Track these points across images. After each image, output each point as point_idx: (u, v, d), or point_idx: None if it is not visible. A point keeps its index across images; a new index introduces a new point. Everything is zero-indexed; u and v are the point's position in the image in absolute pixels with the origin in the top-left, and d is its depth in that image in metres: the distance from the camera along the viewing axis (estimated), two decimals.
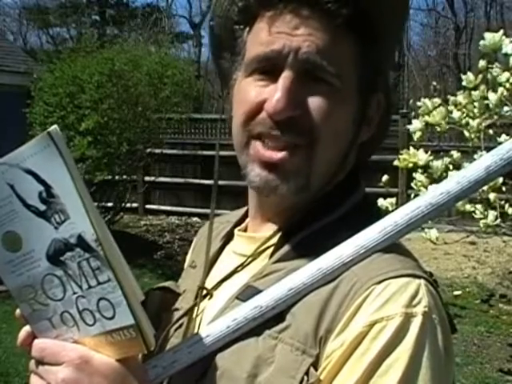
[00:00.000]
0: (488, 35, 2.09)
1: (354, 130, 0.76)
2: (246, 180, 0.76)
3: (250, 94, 0.73)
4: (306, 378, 0.64)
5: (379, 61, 0.76)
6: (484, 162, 0.68)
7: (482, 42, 2.12)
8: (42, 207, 0.61)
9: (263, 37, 0.72)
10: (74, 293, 0.63)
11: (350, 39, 0.72)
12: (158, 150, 8.13)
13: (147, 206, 9.94)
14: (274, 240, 0.77)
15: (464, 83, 2.41)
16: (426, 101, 2.49)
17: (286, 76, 0.70)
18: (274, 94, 0.70)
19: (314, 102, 0.70)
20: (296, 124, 0.70)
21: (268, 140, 0.72)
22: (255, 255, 0.78)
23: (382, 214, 0.75)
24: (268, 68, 0.72)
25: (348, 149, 0.76)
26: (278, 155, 0.71)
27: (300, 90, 0.70)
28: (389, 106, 0.81)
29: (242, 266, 0.79)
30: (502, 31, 2.09)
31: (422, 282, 0.66)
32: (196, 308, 0.80)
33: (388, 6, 0.72)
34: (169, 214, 9.85)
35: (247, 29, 0.76)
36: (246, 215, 0.88)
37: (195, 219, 9.44)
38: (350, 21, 0.70)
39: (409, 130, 2.56)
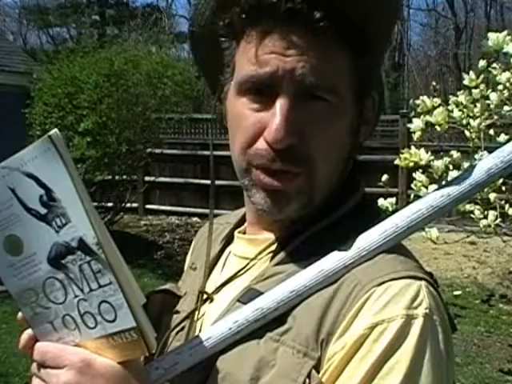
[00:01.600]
0: (492, 35, 2.08)
1: (353, 138, 0.76)
2: (249, 199, 0.75)
3: (247, 119, 0.71)
4: (307, 380, 0.64)
5: (372, 65, 0.75)
6: (485, 164, 0.68)
7: (484, 42, 2.12)
8: (43, 211, 0.61)
9: (254, 56, 0.69)
10: (76, 296, 0.63)
11: (341, 52, 0.71)
12: (158, 150, 8.13)
13: (147, 206, 9.94)
14: (275, 242, 0.77)
15: (466, 82, 2.40)
16: (425, 98, 2.48)
17: (283, 102, 0.68)
18: (272, 121, 0.68)
19: (312, 124, 0.69)
20: (295, 152, 0.69)
21: (269, 170, 0.71)
22: (256, 259, 0.78)
23: (382, 213, 0.75)
24: (262, 88, 0.70)
25: (348, 157, 0.77)
26: (280, 183, 0.71)
27: (297, 114, 0.69)
28: (382, 102, 0.81)
29: (243, 270, 0.79)
30: (506, 31, 2.09)
31: (423, 283, 0.66)
32: (197, 311, 0.80)
33: (378, 15, 0.71)
34: (169, 214, 9.85)
35: (234, 41, 0.74)
36: (245, 216, 0.88)
37: (195, 219, 9.44)
38: (340, 35, 0.69)
39: (409, 129, 2.56)
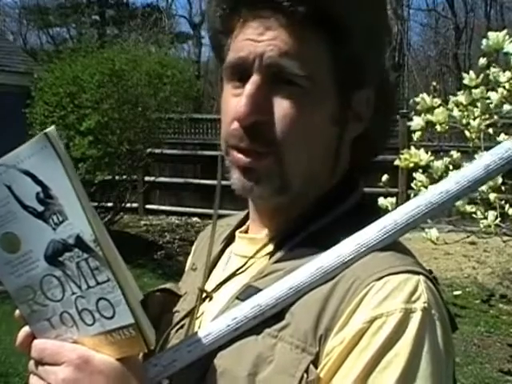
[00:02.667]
0: (492, 35, 2.08)
1: (337, 128, 0.76)
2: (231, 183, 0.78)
3: (228, 104, 0.75)
4: (305, 375, 0.64)
5: (358, 57, 0.74)
6: (483, 161, 0.68)
7: (484, 41, 2.12)
8: (40, 208, 0.61)
9: (235, 44, 0.74)
10: (73, 293, 0.63)
11: (317, 38, 0.72)
12: (158, 150, 8.14)
13: (147, 206, 9.95)
14: (274, 240, 0.78)
15: (466, 82, 2.41)
16: (425, 96, 2.48)
17: (251, 82, 0.71)
18: (239, 100, 0.71)
19: (282, 106, 0.71)
20: (262, 132, 0.71)
21: (240, 149, 0.74)
22: (256, 257, 0.79)
23: (381, 213, 0.75)
24: (240, 75, 0.73)
25: (336, 147, 0.77)
26: (250, 160, 0.73)
27: (266, 95, 0.71)
28: (383, 102, 0.80)
29: (242, 268, 0.79)
30: (505, 31, 2.09)
31: (421, 278, 0.67)
32: (196, 310, 0.80)
33: (354, 3, 0.72)
34: (169, 213, 9.86)
35: (229, 37, 0.77)
36: (246, 218, 0.89)
37: (195, 219, 9.45)
38: (312, 19, 0.70)
39: (409, 128, 2.56)
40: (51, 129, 0.59)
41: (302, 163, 0.74)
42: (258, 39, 0.71)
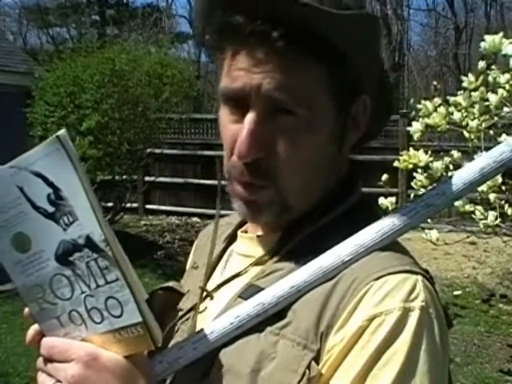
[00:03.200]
0: (488, 38, 2.09)
1: (336, 146, 0.77)
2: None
3: (227, 131, 0.76)
4: (307, 371, 0.66)
5: (353, 70, 0.74)
6: (478, 164, 0.70)
7: (482, 44, 2.12)
8: (51, 209, 0.62)
9: (227, 71, 0.73)
10: (83, 292, 0.65)
11: (310, 66, 0.71)
12: (158, 150, 8.14)
13: (147, 206, 9.95)
14: (276, 240, 0.79)
15: (465, 84, 2.41)
16: (427, 103, 2.49)
17: (249, 117, 0.71)
18: (240, 136, 0.72)
19: (281, 138, 0.72)
20: (261, 166, 0.73)
21: (240, 182, 0.75)
22: (257, 257, 0.80)
23: (381, 212, 0.77)
24: (236, 103, 0.73)
25: (335, 160, 0.78)
26: (250, 194, 0.75)
27: (265, 128, 0.71)
28: (380, 105, 0.81)
29: (245, 270, 0.81)
30: (501, 33, 2.09)
31: (419, 277, 0.68)
32: (197, 308, 0.81)
33: (344, 26, 0.70)
34: (169, 214, 9.86)
35: (220, 52, 0.76)
36: None
37: (195, 219, 9.45)
38: (306, 53, 0.70)
39: (409, 130, 2.57)
40: (63, 131, 0.60)
41: (301, 187, 0.76)
42: (252, 70, 0.70)
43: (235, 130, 0.74)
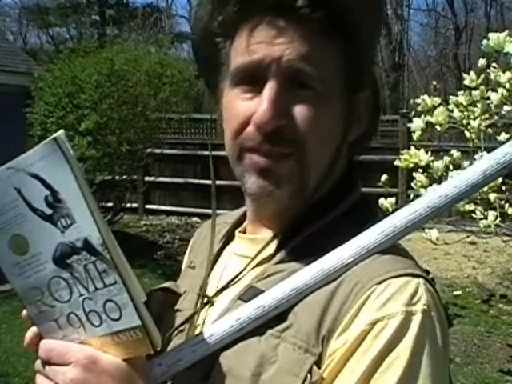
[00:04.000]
0: (492, 35, 2.08)
1: (342, 131, 0.77)
2: (243, 189, 0.77)
3: (237, 108, 0.74)
4: (309, 375, 0.65)
5: (362, 59, 0.76)
6: (481, 165, 0.70)
7: (485, 42, 2.12)
8: (49, 211, 0.62)
9: (244, 47, 0.73)
10: (81, 295, 0.64)
11: (329, 42, 0.73)
12: (158, 150, 8.14)
13: (147, 206, 9.95)
14: (275, 241, 0.78)
15: (466, 82, 2.41)
16: (426, 97, 2.49)
17: (270, 86, 0.71)
18: (260, 105, 0.71)
19: (300, 110, 0.72)
20: (283, 134, 0.71)
21: (260, 151, 0.73)
22: (257, 258, 0.79)
23: (380, 213, 0.76)
24: (252, 78, 0.73)
25: (338, 149, 0.78)
26: (271, 162, 0.73)
27: (285, 99, 0.71)
28: (377, 102, 0.82)
29: (245, 270, 0.80)
30: (507, 32, 2.09)
31: (421, 280, 0.68)
32: (198, 313, 0.81)
33: (362, 4, 0.72)
34: (169, 214, 9.86)
35: (229, 40, 0.76)
36: (244, 216, 0.89)
37: (195, 219, 9.45)
38: (326, 24, 0.71)
39: (409, 129, 2.57)
40: (60, 133, 0.60)
41: (320, 164, 0.75)
42: (273, 42, 0.71)
43: (249, 106, 0.73)
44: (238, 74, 0.74)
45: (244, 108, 0.74)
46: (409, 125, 2.67)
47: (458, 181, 0.70)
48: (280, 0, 0.69)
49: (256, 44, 0.71)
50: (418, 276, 0.68)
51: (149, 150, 7.78)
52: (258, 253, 0.79)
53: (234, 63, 0.75)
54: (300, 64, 0.70)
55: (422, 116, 2.47)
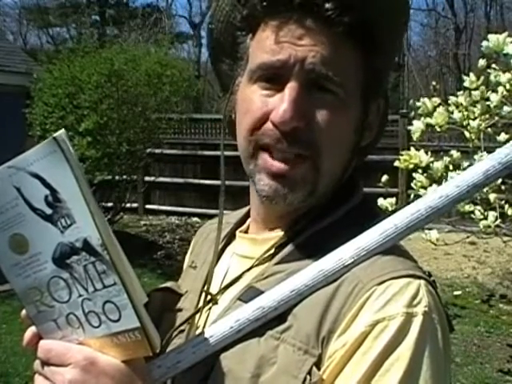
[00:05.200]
0: (492, 37, 2.08)
1: (356, 137, 0.77)
2: (253, 188, 0.77)
3: (255, 103, 0.74)
4: (308, 377, 0.65)
5: (381, 68, 0.77)
6: (482, 166, 0.69)
7: (484, 43, 2.12)
8: (49, 211, 0.61)
9: (268, 45, 0.72)
10: (80, 295, 0.64)
11: (352, 48, 0.73)
12: (158, 150, 8.14)
13: (147, 206, 9.95)
14: (276, 242, 0.78)
15: (466, 84, 2.41)
16: (426, 100, 2.49)
17: (292, 87, 0.71)
18: (280, 104, 0.71)
19: (319, 113, 0.71)
20: (301, 135, 0.71)
21: (275, 152, 0.73)
22: (257, 258, 0.79)
23: (381, 213, 0.76)
24: (273, 76, 0.72)
25: (351, 155, 0.78)
26: (286, 166, 0.72)
27: (305, 101, 0.71)
28: (387, 110, 0.82)
29: (247, 270, 0.80)
30: (506, 33, 2.09)
31: (422, 282, 0.68)
32: (201, 312, 0.80)
33: (389, 14, 0.73)
34: (169, 214, 9.86)
35: (250, 35, 0.76)
36: (246, 216, 0.89)
37: (195, 219, 9.45)
38: (352, 29, 0.70)
39: (409, 130, 2.56)
40: (61, 132, 0.59)
41: (333, 169, 0.75)
42: (297, 43, 0.70)
43: (268, 103, 0.72)
44: (260, 71, 0.73)
45: (262, 103, 0.73)
46: (409, 127, 2.66)
47: (459, 181, 0.70)
48: (310, 2, 0.69)
49: (280, 43, 0.71)
50: (419, 277, 0.68)
51: (149, 150, 7.77)
52: (259, 253, 0.79)
53: (255, 60, 0.74)
54: (323, 68, 0.70)
55: (422, 118, 2.46)
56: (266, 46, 0.72)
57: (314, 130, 0.71)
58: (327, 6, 0.69)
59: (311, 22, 0.70)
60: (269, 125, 0.72)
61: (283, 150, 0.72)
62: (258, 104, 0.73)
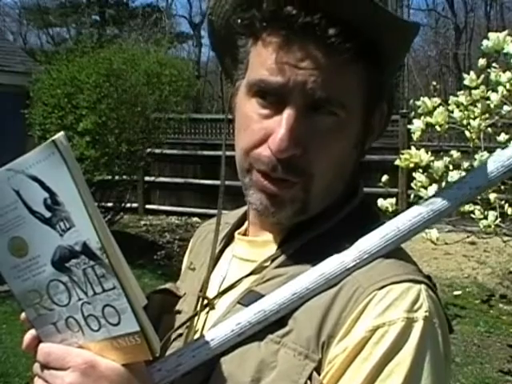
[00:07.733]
0: (492, 35, 2.08)
1: (359, 149, 0.76)
2: (246, 199, 0.77)
3: (253, 124, 0.72)
4: (308, 382, 0.65)
5: (384, 84, 0.76)
6: (486, 168, 0.69)
7: (484, 42, 2.11)
8: (48, 214, 0.61)
9: (269, 63, 0.69)
10: (80, 299, 0.64)
11: (355, 69, 0.71)
12: (158, 150, 8.13)
13: (147, 206, 9.94)
14: (276, 244, 0.78)
15: (466, 82, 2.40)
16: (426, 99, 2.48)
17: (290, 113, 0.69)
18: (277, 129, 0.69)
19: (317, 137, 0.70)
20: (297, 163, 0.70)
21: (269, 178, 0.72)
22: (257, 261, 0.78)
23: (382, 215, 0.76)
24: (272, 93, 0.70)
25: (353, 167, 0.77)
26: (278, 189, 0.72)
27: (303, 126, 0.69)
28: (390, 112, 0.81)
29: (244, 273, 0.79)
30: (506, 32, 2.08)
31: (423, 286, 0.67)
32: (198, 316, 0.80)
33: (395, 36, 0.70)
34: (169, 214, 9.85)
35: (251, 41, 0.74)
36: (244, 217, 0.89)
37: (195, 219, 9.44)
38: (356, 53, 0.68)
39: (409, 129, 2.56)
40: (60, 135, 0.59)
41: (325, 188, 0.74)
42: (298, 65, 0.68)
43: (267, 126, 0.71)
44: (258, 87, 0.71)
45: (260, 126, 0.71)
46: (408, 126, 2.65)
47: (461, 183, 0.70)
48: (312, 25, 0.66)
49: (280, 64, 0.68)
50: (419, 282, 0.67)
51: (148, 149, 7.77)
52: (259, 256, 0.78)
53: (254, 73, 0.72)
54: (323, 93, 0.68)
55: (422, 117, 2.46)
56: (266, 62, 0.70)
57: (311, 156, 0.70)
58: (331, 32, 0.66)
59: (313, 47, 0.67)
60: (265, 149, 0.71)
61: (278, 177, 0.71)
62: (256, 125, 0.72)
